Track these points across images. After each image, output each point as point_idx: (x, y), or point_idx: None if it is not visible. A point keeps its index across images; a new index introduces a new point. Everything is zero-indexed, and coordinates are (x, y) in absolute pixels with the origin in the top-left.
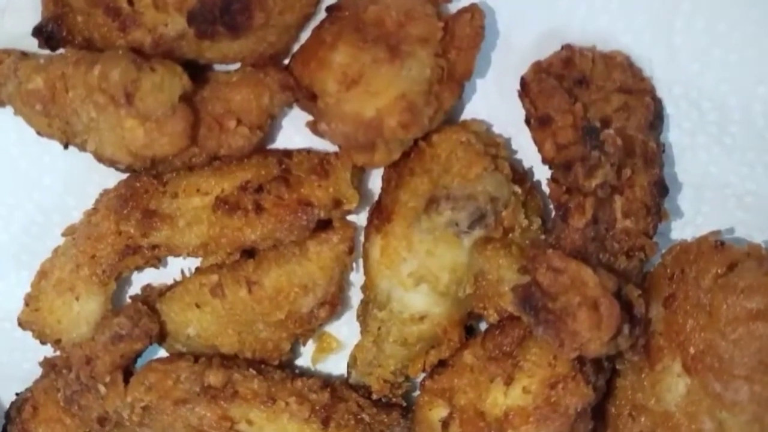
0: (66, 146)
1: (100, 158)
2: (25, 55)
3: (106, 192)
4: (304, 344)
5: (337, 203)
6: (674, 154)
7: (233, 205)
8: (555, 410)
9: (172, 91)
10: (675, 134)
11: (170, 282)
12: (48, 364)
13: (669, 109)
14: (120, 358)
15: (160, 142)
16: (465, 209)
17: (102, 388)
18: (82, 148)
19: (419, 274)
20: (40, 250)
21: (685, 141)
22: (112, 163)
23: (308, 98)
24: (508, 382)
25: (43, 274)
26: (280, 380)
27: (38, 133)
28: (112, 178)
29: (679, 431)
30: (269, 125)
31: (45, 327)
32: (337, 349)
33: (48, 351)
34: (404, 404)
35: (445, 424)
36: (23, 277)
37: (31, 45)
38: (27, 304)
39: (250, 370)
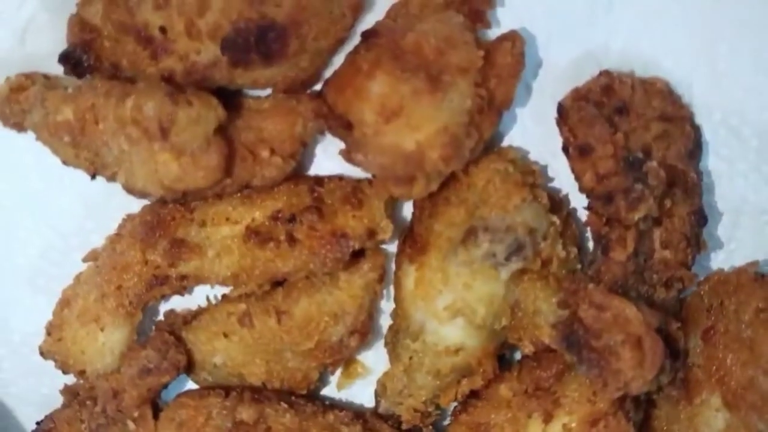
0: (93, 177)
1: (130, 190)
2: (47, 79)
3: (129, 217)
4: (333, 373)
5: (371, 234)
6: (711, 181)
7: (265, 236)
8: None
9: (208, 124)
10: (713, 161)
11: (194, 307)
12: (69, 393)
13: (707, 135)
14: (147, 392)
15: (194, 176)
16: (503, 241)
17: (131, 425)
18: (110, 179)
19: (456, 307)
20: (58, 275)
21: (723, 168)
22: (142, 195)
23: (343, 127)
24: (547, 419)
25: (65, 303)
26: (311, 414)
27: (64, 162)
28: (134, 202)
29: None
30: (301, 153)
31: (68, 357)
32: (363, 375)
33: (67, 378)
34: None
35: None
36: (40, 302)
37: (52, 67)
38: (49, 334)
39: (282, 404)
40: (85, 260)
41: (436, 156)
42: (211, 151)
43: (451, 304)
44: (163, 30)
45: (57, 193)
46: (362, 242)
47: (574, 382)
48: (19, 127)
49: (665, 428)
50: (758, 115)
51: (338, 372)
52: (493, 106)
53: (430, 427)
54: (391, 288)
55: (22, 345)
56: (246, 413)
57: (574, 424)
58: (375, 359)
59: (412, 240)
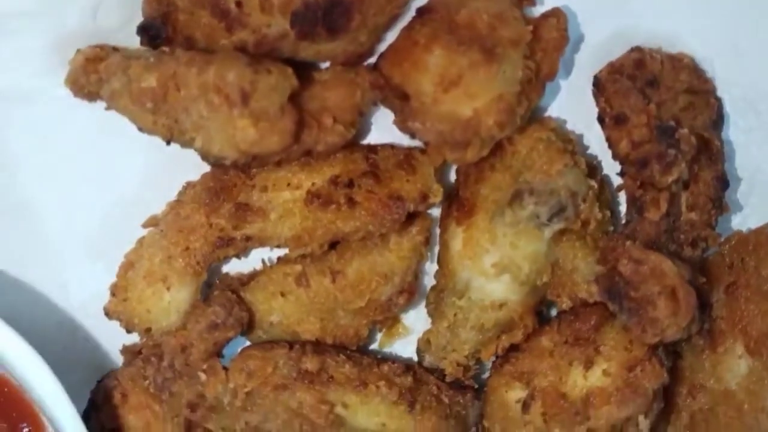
0: (168, 143)
1: (205, 154)
2: (118, 51)
3: (190, 185)
4: (381, 330)
5: (424, 197)
6: (731, 150)
7: (326, 199)
8: (635, 391)
9: (284, 92)
10: (731, 132)
11: (249, 271)
12: (129, 352)
13: (727, 108)
14: (214, 346)
15: (270, 140)
16: (547, 203)
17: (202, 376)
18: (185, 144)
19: (503, 264)
20: (116, 243)
21: (741, 138)
22: (217, 159)
23: (398, 97)
24: (588, 365)
25: (129, 265)
26: (367, 365)
27: (140, 129)
28: (190, 172)
29: (740, 408)
30: (359, 122)
31: (134, 316)
32: (404, 335)
33: (124, 339)
34: (476, 386)
35: (526, 404)
36: (98, 269)
37: (123, 41)
38: (114, 295)
39: (341, 355)
40: (144, 226)
41: (492, 122)
42: (285, 117)
43: (498, 262)
44: (238, 4)
45: (118, 164)
46: (416, 205)
47: (611, 332)
48: (92, 97)
49: (689, 377)
50: None
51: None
52: (539, 77)
53: (471, 380)
54: (435, 251)
55: (81, 309)
56: (310, 363)
57: (613, 369)
58: (415, 320)
59: (459, 204)
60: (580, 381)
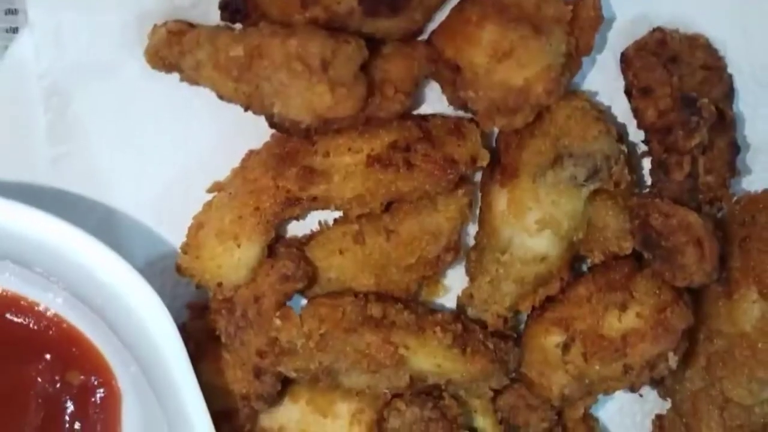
0: (246, 109)
1: (281, 119)
2: (193, 26)
3: (254, 152)
4: (428, 285)
5: (473, 160)
6: (738, 122)
7: (385, 162)
8: (666, 330)
9: (358, 61)
10: (740, 106)
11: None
12: (195, 308)
13: (737, 84)
14: (283, 297)
15: (345, 105)
16: (584, 165)
17: (277, 321)
18: (262, 110)
19: (545, 221)
20: (179, 208)
21: (748, 112)
22: (291, 123)
23: (450, 69)
24: (622, 309)
25: (199, 226)
26: (423, 313)
27: (220, 97)
28: (253, 142)
29: (755, 347)
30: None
31: (205, 272)
32: (443, 294)
33: (187, 297)
34: (515, 335)
35: (566, 346)
36: (163, 232)
37: (196, 18)
38: (185, 253)
39: (399, 304)
40: (209, 191)
41: (541, 89)
42: (358, 84)
43: (541, 218)
44: None
45: (184, 135)
46: (467, 167)
47: (642, 280)
48: (171, 68)
49: (706, 323)
50: None
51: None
52: (578, 52)
53: (510, 330)
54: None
55: (146, 268)
56: (374, 309)
57: (645, 312)
58: (453, 280)
59: (503, 169)
60: (616, 324)
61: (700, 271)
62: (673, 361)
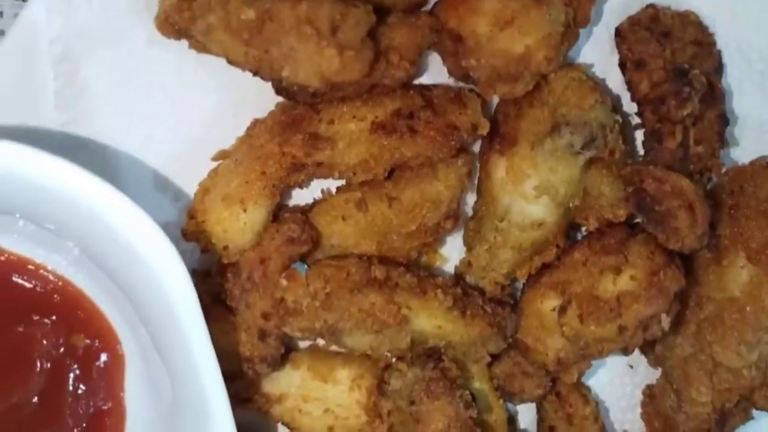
0: (254, 74)
1: (289, 84)
2: None
3: (259, 121)
4: (427, 253)
5: (474, 128)
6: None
7: (389, 128)
8: (660, 291)
9: (366, 26)
10: (726, 80)
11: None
12: (199, 274)
13: (725, 59)
14: (288, 259)
15: (352, 68)
16: (581, 133)
17: (283, 282)
18: (271, 75)
19: (542, 187)
20: (184, 176)
21: (734, 86)
22: (299, 88)
23: (452, 39)
24: (617, 272)
25: (205, 191)
26: (424, 276)
27: (229, 61)
28: (256, 113)
29: (743, 311)
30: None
31: (211, 237)
32: (441, 263)
33: (191, 263)
34: (512, 302)
35: (562, 309)
36: (167, 199)
37: None
38: (191, 218)
39: (401, 267)
40: (214, 159)
41: (542, 57)
42: (365, 48)
43: (539, 185)
44: None
45: (190, 104)
46: (468, 135)
47: (636, 245)
48: (181, 35)
49: (695, 290)
50: (764, 45)
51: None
52: (575, 23)
53: (508, 297)
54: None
55: None
56: (378, 271)
57: (639, 275)
58: (450, 250)
59: (501, 138)
60: (611, 286)
61: (692, 235)
62: (665, 322)
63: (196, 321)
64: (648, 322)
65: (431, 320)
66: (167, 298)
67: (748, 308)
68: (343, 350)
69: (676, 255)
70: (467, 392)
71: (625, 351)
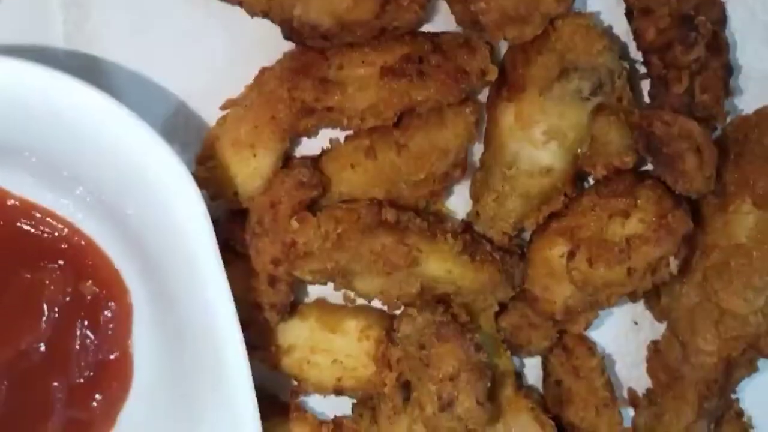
0: (265, 16)
1: (300, 23)
2: None
3: (267, 69)
4: (434, 204)
5: (483, 73)
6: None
7: (399, 72)
8: (668, 233)
9: None
10: (731, 32)
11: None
12: None
13: (728, 11)
14: (299, 204)
15: (362, 7)
16: (589, 79)
17: (294, 224)
18: (281, 17)
19: (551, 132)
20: (193, 125)
21: (738, 38)
22: (310, 29)
23: None
24: (626, 216)
25: (215, 137)
26: (434, 221)
27: (239, 3)
28: (266, 62)
29: (750, 256)
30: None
31: (221, 183)
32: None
33: None
34: (519, 252)
35: (571, 254)
36: (175, 148)
37: None
38: (200, 164)
39: (411, 212)
40: (223, 108)
41: None
42: None
43: (548, 130)
44: None
45: (197, 52)
46: (478, 79)
47: (644, 189)
48: None
49: (704, 239)
50: None
51: None
52: None
53: (516, 247)
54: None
55: None
56: (389, 214)
57: (648, 218)
58: (456, 204)
59: (510, 85)
60: (619, 230)
61: (700, 177)
62: (674, 265)
63: (212, 261)
64: (657, 264)
65: (441, 264)
66: (184, 237)
67: (754, 253)
68: (350, 305)
69: (684, 199)
70: (477, 335)
71: (633, 297)
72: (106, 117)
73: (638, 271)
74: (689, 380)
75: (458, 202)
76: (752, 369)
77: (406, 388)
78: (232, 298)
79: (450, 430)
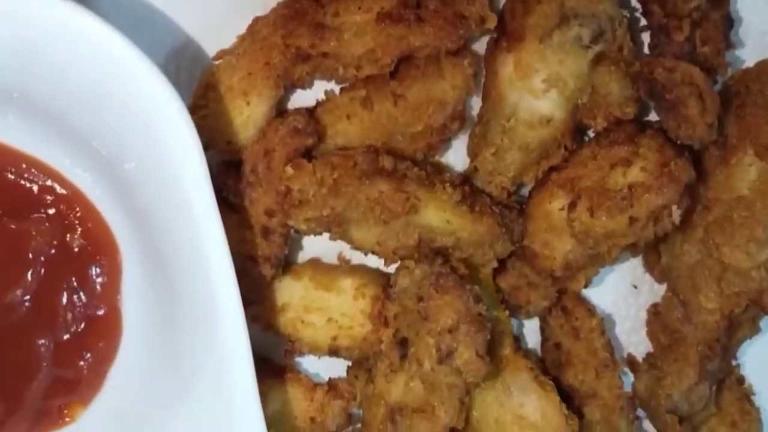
0: None
1: None
2: None
3: (261, 17)
4: (433, 156)
5: (482, 20)
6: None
7: (396, 17)
8: (671, 180)
9: None
10: None
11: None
12: None
13: None
14: (293, 152)
15: None
16: (589, 26)
17: (289, 170)
18: None
19: (551, 80)
20: (186, 76)
21: None
22: None
23: None
24: (627, 165)
25: (207, 86)
26: (432, 171)
27: None
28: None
29: (753, 208)
30: None
31: (215, 131)
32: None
33: None
34: (518, 207)
35: (572, 205)
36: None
37: None
38: (194, 113)
39: (408, 161)
40: (215, 58)
41: None
42: None
43: (547, 78)
44: None
45: (185, 3)
46: (476, 25)
47: (645, 138)
48: None
49: (705, 193)
50: None
51: None
52: None
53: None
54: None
55: None
56: (387, 162)
57: (650, 167)
58: (454, 161)
59: (509, 35)
60: (621, 179)
61: (702, 123)
62: (676, 215)
63: (209, 212)
64: (659, 213)
65: (439, 213)
66: (181, 189)
67: (757, 204)
68: (345, 265)
69: (686, 149)
70: (476, 287)
71: (634, 250)
72: (107, 45)
73: (640, 220)
74: (691, 340)
75: (456, 159)
76: (754, 330)
77: (403, 345)
78: (229, 252)
79: (449, 385)
